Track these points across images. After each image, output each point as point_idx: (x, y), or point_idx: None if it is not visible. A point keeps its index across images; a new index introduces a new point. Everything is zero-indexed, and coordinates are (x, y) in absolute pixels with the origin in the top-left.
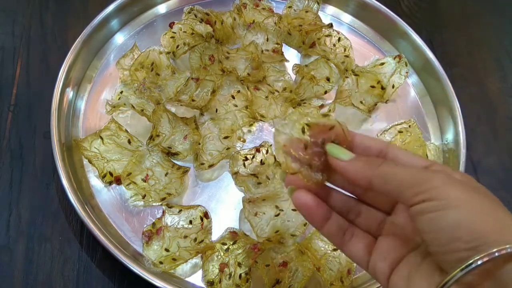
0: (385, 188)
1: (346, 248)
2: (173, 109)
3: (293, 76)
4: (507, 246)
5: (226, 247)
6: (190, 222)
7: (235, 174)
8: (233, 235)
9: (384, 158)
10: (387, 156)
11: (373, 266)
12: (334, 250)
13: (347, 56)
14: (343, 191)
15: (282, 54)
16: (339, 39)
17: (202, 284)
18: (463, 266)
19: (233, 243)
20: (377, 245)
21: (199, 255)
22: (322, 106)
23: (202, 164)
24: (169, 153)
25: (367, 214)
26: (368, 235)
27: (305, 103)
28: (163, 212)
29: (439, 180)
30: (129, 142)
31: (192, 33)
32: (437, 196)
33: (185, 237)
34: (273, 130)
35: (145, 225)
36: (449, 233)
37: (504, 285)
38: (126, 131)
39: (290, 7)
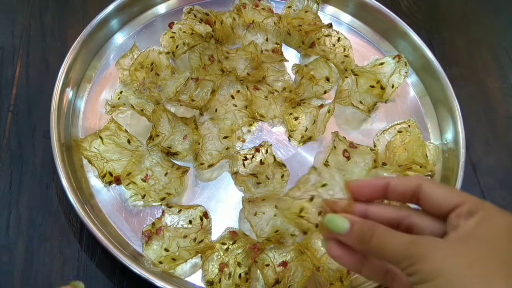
0: (382, 259)
1: None
2: (172, 109)
3: (293, 76)
4: None
5: (225, 247)
6: (190, 222)
7: (234, 174)
8: (233, 235)
9: (418, 198)
10: (420, 195)
11: None
12: None
13: (346, 56)
14: None
15: (281, 54)
16: (338, 39)
17: (202, 284)
18: None
19: (233, 243)
20: None
21: (199, 255)
22: (321, 105)
23: (202, 164)
24: (169, 153)
25: None
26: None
27: (304, 102)
28: (163, 212)
29: (424, 254)
30: (129, 142)
31: (192, 33)
32: (421, 269)
33: (185, 237)
34: (272, 130)
35: (144, 225)
36: None
37: None
38: (126, 131)
39: (289, 7)
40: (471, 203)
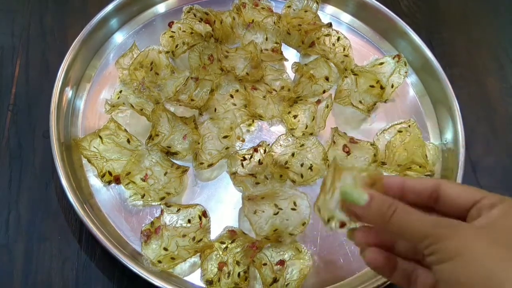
0: (400, 237)
1: None
2: (172, 109)
3: (292, 75)
4: None
5: (224, 246)
6: (189, 221)
7: (233, 175)
8: (232, 234)
9: (437, 198)
10: (440, 192)
11: None
12: None
13: (346, 55)
14: None
15: (281, 53)
16: (338, 39)
17: (201, 283)
18: None
19: (232, 242)
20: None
21: (198, 254)
22: (319, 101)
23: (201, 163)
24: (168, 153)
25: None
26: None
27: (301, 99)
28: (162, 211)
29: (448, 233)
30: (128, 141)
31: (192, 33)
32: (442, 248)
33: (184, 236)
34: (271, 129)
35: (144, 224)
36: (454, 284)
37: None
38: (125, 130)
39: (289, 6)
40: (492, 197)
